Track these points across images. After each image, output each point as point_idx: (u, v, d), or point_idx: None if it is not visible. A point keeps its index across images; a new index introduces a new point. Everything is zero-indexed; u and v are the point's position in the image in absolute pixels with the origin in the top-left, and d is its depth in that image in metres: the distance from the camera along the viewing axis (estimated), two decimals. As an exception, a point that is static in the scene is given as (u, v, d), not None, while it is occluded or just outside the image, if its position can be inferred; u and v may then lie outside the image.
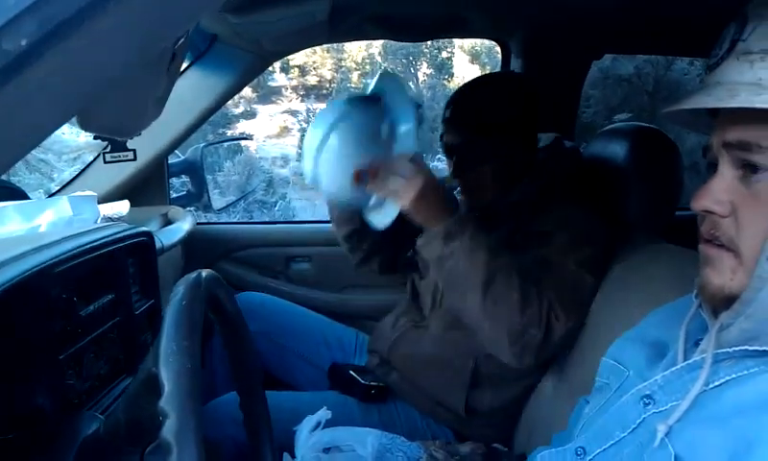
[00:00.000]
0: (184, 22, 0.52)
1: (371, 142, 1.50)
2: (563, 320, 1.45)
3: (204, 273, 0.93)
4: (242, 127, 13.35)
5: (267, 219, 8.42)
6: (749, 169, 0.76)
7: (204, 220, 2.91)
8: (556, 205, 1.60)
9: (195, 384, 0.73)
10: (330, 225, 2.03)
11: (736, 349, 0.75)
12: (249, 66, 2.15)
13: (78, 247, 1.24)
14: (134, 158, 1.61)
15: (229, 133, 12.51)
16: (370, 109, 1.50)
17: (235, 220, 6.07)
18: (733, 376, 0.75)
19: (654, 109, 6.18)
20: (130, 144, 1.59)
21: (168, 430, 0.69)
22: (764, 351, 0.73)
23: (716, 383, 0.76)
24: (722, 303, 0.80)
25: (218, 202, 2.70)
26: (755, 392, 0.71)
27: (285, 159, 13.27)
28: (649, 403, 0.84)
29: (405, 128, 1.49)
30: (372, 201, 1.55)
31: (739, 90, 0.75)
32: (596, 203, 1.63)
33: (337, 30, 1.84)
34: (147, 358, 0.82)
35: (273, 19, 1.59)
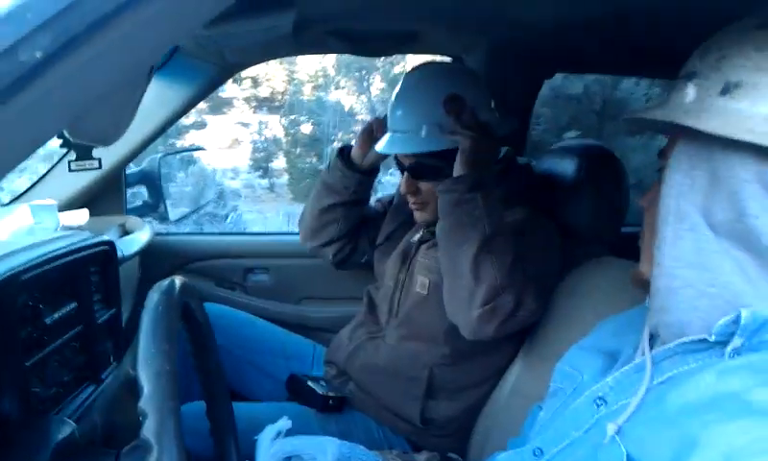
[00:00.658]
0: (186, 32, 0.55)
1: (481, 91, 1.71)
2: (531, 299, 1.51)
3: (178, 280, 0.95)
4: (193, 138, 13.20)
5: (217, 231, 8.36)
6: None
7: (160, 231, 2.89)
8: (514, 212, 1.65)
9: (173, 386, 0.76)
10: (287, 236, 2.05)
11: (677, 343, 0.81)
12: (210, 78, 2.16)
13: (44, 255, 1.24)
14: (100, 167, 1.61)
15: (180, 143, 12.34)
16: None
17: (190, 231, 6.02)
18: (675, 371, 0.80)
19: (601, 127, 6.32)
20: (95, 153, 1.59)
21: (148, 430, 0.71)
22: (700, 340, 0.78)
23: (660, 380, 0.81)
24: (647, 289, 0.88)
25: (173, 213, 2.68)
26: (695, 392, 0.74)
27: (236, 172, 13.16)
28: (601, 404, 0.88)
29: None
30: (424, 130, 1.64)
31: (654, 106, 0.86)
32: (549, 215, 1.70)
33: (300, 43, 1.86)
34: (124, 362, 0.84)
35: (237, 32, 1.61)
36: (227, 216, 9.14)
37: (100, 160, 1.58)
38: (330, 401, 1.78)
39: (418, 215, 1.80)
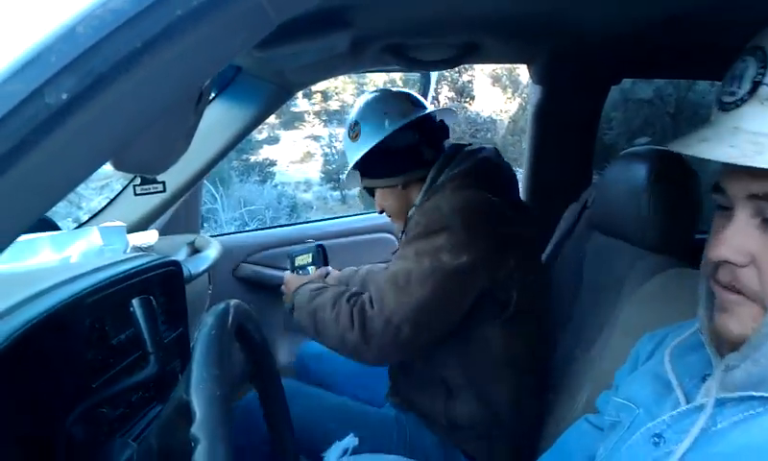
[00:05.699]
0: (213, 69, 0.56)
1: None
2: (378, 306, 1.60)
3: (233, 304, 0.96)
4: (266, 152, 13.47)
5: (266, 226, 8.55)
6: None
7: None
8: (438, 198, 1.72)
9: (225, 411, 0.76)
10: (323, 221, 2.34)
11: (742, 394, 0.75)
12: (272, 97, 2.20)
13: (108, 278, 1.27)
14: (164, 191, 1.66)
15: (253, 158, 12.62)
16: None
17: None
18: (740, 416, 0.75)
19: (676, 130, 6.15)
20: (159, 176, 1.64)
21: (200, 456, 0.71)
22: None
23: (723, 423, 0.76)
24: (736, 347, 0.78)
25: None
26: (760, 432, 0.71)
27: (308, 184, 13.36)
28: (659, 442, 0.84)
29: None
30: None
31: (766, 145, 0.71)
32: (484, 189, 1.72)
33: (358, 60, 1.87)
34: (178, 386, 0.85)
35: (295, 52, 1.63)
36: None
37: (164, 184, 1.63)
38: None
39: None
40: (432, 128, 1.89)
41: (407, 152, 1.86)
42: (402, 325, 1.57)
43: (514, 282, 1.65)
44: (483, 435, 1.72)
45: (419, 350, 1.68)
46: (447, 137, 1.95)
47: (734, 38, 0.83)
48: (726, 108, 0.77)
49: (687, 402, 0.84)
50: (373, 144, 1.84)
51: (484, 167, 1.79)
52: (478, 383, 1.70)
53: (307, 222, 3.71)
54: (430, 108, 1.94)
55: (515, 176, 1.91)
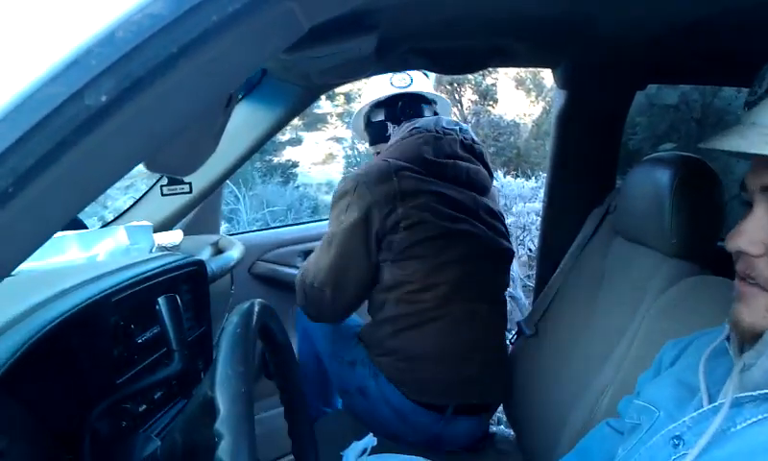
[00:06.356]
0: (245, 73, 0.57)
1: None
2: (304, 275, 2.04)
3: (257, 303, 0.97)
4: (288, 154, 13.52)
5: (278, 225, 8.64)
6: None
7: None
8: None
9: (249, 408, 0.77)
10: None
11: (761, 392, 0.76)
12: (297, 99, 2.21)
13: (134, 276, 1.29)
14: (191, 191, 1.69)
15: (276, 159, 12.68)
16: None
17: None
18: (759, 417, 0.75)
19: (701, 136, 6.10)
20: (186, 178, 1.67)
21: (223, 451, 0.73)
22: None
23: (743, 424, 0.77)
24: (752, 339, 0.80)
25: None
26: None
27: (330, 185, 13.40)
28: (679, 444, 0.84)
29: None
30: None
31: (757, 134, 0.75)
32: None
33: (383, 63, 1.88)
34: (203, 383, 0.86)
35: (321, 55, 1.64)
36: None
37: (191, 185, 1.66)
38: None
39: None
40: (395, 107, 2.21)
41: (377, 126, 2.26)
42: (324, 287, 1.97)
43: (399, 228, 1.91)
44: (373, 350, 2.02)
45: (350, 304, 2.05)
46: (413, 116, 2.21)
47: (761, 43, 0.84)
48: (748, 106, 0.80)
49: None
50: (357, 116, 2.32)
51: (406, 137, 2.08)
52: (371, 310, 2.08)
53: (319, 220, 3.84)
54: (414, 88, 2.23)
55: (448, 139, 2.11)
